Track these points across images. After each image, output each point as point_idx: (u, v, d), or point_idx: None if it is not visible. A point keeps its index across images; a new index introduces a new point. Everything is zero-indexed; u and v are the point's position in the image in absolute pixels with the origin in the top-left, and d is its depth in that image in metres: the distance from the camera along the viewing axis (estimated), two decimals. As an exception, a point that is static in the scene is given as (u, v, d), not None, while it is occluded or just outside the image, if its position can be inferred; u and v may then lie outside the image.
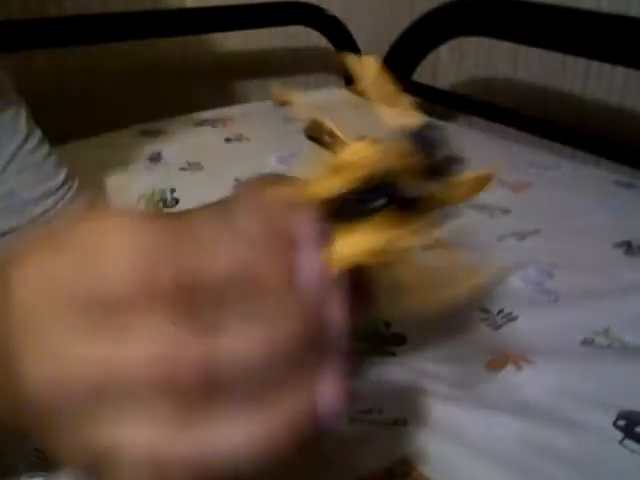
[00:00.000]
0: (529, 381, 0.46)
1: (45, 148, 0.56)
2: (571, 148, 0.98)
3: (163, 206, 0.75)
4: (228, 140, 0.89)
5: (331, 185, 0.29)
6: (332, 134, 0.35)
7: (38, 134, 0.56)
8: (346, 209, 0.29)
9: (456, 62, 1.37)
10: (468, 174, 0.31)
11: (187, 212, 0.30)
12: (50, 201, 0.55)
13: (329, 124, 0.35)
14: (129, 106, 1.09)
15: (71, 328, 0.24)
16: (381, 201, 0.29)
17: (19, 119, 0.54)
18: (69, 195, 0.56)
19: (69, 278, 0.25)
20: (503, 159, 0.89)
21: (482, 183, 0.32)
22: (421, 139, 0.29)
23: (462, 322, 0.53)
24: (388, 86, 0.31)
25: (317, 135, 0.35)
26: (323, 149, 0.34)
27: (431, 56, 1.20)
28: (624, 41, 0.91)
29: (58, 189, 0.56)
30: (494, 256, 0.65)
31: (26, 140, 0.54)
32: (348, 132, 0.35)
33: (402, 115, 0.30)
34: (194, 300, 0.24)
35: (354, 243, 0.28)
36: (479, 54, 1.32)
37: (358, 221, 0.29)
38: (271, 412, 0.23)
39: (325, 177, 0.29)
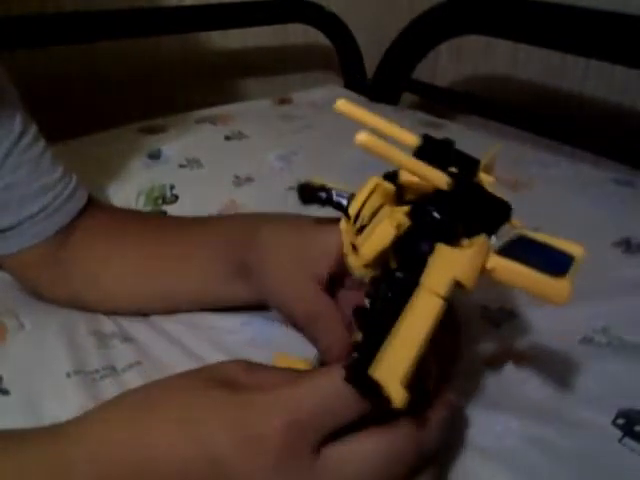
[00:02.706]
0: (528, 379, 0.46)
1: (41, 144, 0.56)
2: (570, 146, 0.98)
3: (162, 202, 0.75)
4: (227, 138, 0.89)
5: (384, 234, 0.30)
6: (325, 189, 0.36)
7: (34, 130, 0.55)
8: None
9: (455, 60, 1.37)
10: (485, 159, 0.32)
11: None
12: (48, 197, 0.54)
13: (319, 181, 0.36)
14: (128, 104, 1.09)
15: None
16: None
17: (14, 115, 0.54)
18: (67, 191, 0.56)
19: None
20: (502, 157, 0.89)
21: (494, 161, 0.33)
22: (433, 150, 0.30)
23: (462, 320, 0.53)
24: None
25: (311, 195, 0.36)
26: (322, 206, 0.35)
27: (431, 54, 1.20)
28: (623, 39, 0.91)
29: (56, 184, 0.55)
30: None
31: (21, 136, 0.54)
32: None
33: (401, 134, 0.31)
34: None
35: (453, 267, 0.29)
36: (478, 52, 1.32)
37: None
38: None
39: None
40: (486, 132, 1.01)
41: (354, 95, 1.15)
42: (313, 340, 0.42)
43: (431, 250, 0.29)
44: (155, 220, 0.62)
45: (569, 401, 0.44)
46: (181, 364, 0.44)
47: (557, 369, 0.47)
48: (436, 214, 0.29)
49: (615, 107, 1.11)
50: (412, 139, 0.30)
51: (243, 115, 0.97)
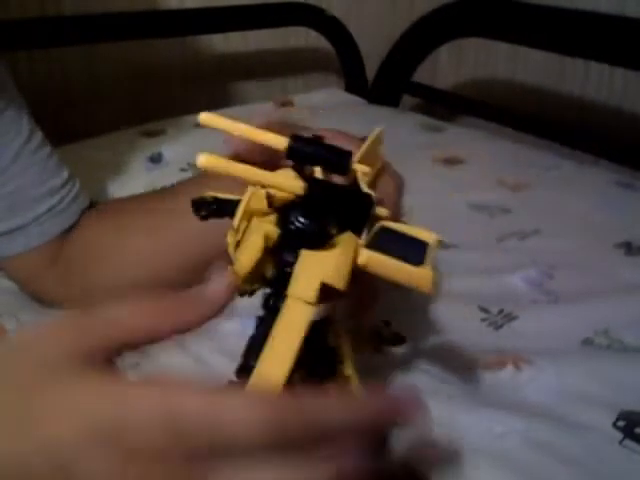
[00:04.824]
0: (529, 381, 0.46)
1: (47, 147, 0.57)
2: (571, 148, 0.98)
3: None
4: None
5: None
6: (218, 200, 0.33)
7: (40, 134, 0.56)
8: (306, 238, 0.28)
9: (456, 63, 1.37)
10: (365, 146, 0.31)
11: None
12: (55, 199, 0.55)
13: (211, 195, 0.34)
14: (129, 107, 1.09)
15: None
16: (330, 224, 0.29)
17: (21, 118, 0.55)
18: (72, 193, 0.57)
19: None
20: (503, 159, 0.89)
21: (378, 145, 0.32)
22: (303, 148, 0.30)
23: (462, 322, 0.53)
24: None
25: (206, 210, 0.33)
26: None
27: (431, 57, 1.20)
28: (623, 42, 0.91)
29: (62, 187, 0.56)
30: (494, 256, 0.65)
31: (29, 139, 0.55)
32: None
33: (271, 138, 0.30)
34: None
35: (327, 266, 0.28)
36: (478, 55, 1.32)
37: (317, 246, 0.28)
38: None
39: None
40: (486, 134, 1.01)
41: (354, 98, 1.15)
42: None
43: (295, 258, 0.28)
44: (149, 199, 0.59)
45: (570, 403, 0.44)
46: (181, 365, 0.44)
47: (558, 371, 0.47)
48: (299, 220, 0.28)
49: (615, 109, 1.11)
50: (282, 142, 0.30)
51: (244, 118, 0.97)
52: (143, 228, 0.55)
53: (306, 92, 1.16)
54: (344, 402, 0.26)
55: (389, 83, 1.22)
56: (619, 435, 0.42)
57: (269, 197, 0.29)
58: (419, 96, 1.27)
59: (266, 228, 0.29)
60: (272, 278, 0.29)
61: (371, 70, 1.23)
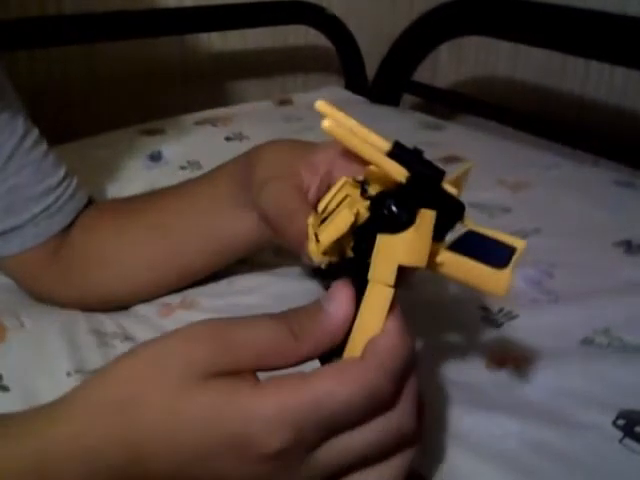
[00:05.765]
0: (529, 380, 0.47)
1: (43, 146, 0.56)
2: (571, 148, 0.98)
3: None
4: (228, 139, 0.89)
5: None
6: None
7: (35, 132, 0.56)
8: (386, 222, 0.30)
9: (456, 62, 1.37)
10: (457, 172, 0.32)
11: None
12: (51, 198, 0.55)
13: None
14: (128, 106, 1.09)
15: None
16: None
17: (16, 118, 0.54)
18: (69, 191, 0.56)
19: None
20: (503, 159, 0.89)
21: (465, 177, 0.33)
22: (403, 156, 0.31)
23: (462, 321, 0.53)
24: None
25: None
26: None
27: (431, 55, 1.20)
28: (624, 41, 0.91)
29: (58, 186, 0.56)
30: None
31: (24, 138, 0.54)
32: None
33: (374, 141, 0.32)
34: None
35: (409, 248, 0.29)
36: (479, 54, 1.32)
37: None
38: None
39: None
40: (486, 133, 1.01)
41: (354, 96, 1.15)
42: (282, 234, 0.42)
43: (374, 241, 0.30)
44: (151, 200, 0.59)
45: (569, 402, 0.44)
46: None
47: (558, 370, 0.47)
48: (392, 206, 0.29)
49: (615, 108, 1.11)
50: (384, 144, 0.31)
51: (244, 116, 0.97)
52: (144, 230, 0.55)
53: (306, 91, 1.16)
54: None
55: (389, 82, 1.22)
56: (619, 434, 0.42)
57: (363, 187, 0.31)
58: (419, 95, 1.26)
59: (359, 207, 0.31)
60: (354, 254, 0.31)
61: (371, 69, 1.23)
